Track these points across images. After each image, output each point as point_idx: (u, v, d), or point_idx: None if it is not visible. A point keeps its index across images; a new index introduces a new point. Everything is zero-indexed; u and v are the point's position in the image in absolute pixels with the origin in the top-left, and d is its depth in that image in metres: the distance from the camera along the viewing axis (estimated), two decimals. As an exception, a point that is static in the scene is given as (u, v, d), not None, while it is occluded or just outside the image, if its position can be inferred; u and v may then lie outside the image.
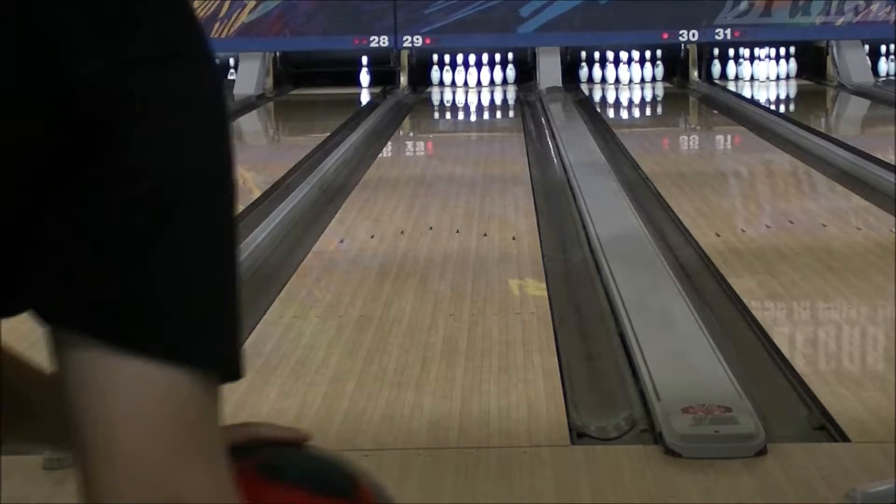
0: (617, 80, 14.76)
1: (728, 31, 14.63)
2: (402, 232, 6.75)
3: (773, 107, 13.25)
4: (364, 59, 14.58)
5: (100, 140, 0.83)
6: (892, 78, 14.63)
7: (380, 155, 9.97)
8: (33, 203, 0.84)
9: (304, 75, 14.67)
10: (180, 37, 0.88)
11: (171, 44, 0.87)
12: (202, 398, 0.85)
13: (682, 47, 14.72)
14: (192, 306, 0.86)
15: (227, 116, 0.89)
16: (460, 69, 14.76)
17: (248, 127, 12.60)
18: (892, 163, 8.29)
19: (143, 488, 0.82)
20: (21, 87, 0.82)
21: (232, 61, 14.37)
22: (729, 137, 11.28)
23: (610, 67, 14.82)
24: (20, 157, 0.83)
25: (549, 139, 10.30)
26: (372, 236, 6.67)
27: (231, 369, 0.89)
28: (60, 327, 0.84)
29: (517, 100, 13.82)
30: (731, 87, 14.49)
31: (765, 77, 14.97)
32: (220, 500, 0.85)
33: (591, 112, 12.39)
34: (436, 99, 14.34)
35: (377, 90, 14.19)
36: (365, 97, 13.94)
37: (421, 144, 11.77)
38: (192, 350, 0.85)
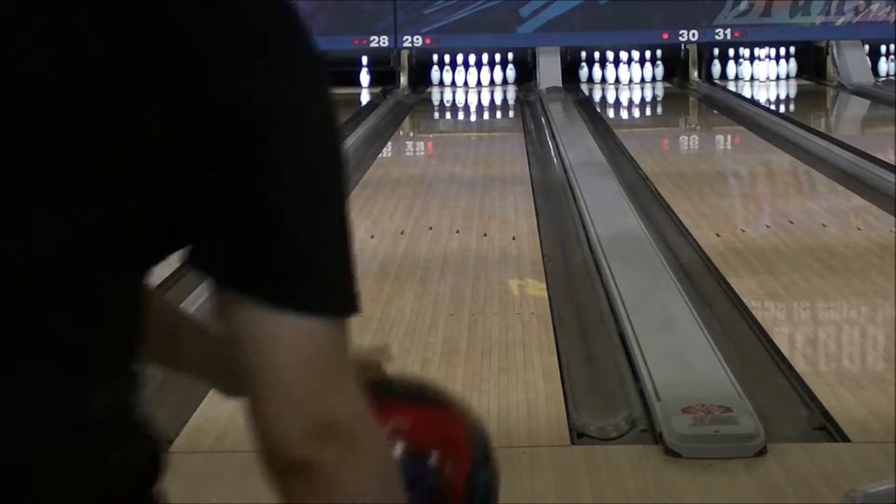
0: (617, 80, 14.76)
1: (728, 31, 14.63)
2: (402, 232, 6.75)
3: (773, 107, 13.25)
4: (364, 59, 14.59)
5: (242, 134, 1.04)
6: (892, 78, 14.63)
7: (380, 155, 9.97)
8: (186, 182, 1.04)
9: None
10: (294, 44, 1.08)
11: (288, 52, 1.07)
12: (341, 337, 1.07)
13: (682, 47, 14.72)
14: (333, 265, 1.08)
15: (333, 106, 1.10)
16: (460, 69, 14.76)
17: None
18: (892, 163, 8.29)
19: (305, 415, 1.05)
20: (170, 97, 1.03)
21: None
22: (729, 137, 11.28)
23: (610, 67, 14.82)
24: (172, 145, 1.04)
25: (549, 139, 10.30)
26: (372, 236, 6.67)
27: (356, 308, 1.08)
28: (233, 291, 1.05)
29: (517, 100, 13.82)
30: (731, 87, 14.49)
31: (765, 77, 14.97)
32: (362, 416, 1.08)
33: (591, 112, 12.39)
34: (436, 99, 14.35)
35: (377, 90, 14.19)
36: (365, 97, 13.94)
37: (421, 144, 11.77)
38: (334, 301, 1.07)
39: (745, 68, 14.98)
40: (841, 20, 14.69)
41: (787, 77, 15.05)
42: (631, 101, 14.13)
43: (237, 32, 1.05)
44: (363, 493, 1.09)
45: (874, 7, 14.67)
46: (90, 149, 1.02)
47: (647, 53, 14.83)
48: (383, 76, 14.49)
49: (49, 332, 1.03)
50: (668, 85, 14.74)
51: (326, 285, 1.07)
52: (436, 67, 14.77)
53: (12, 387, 1.02)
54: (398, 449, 1.32)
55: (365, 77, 14.62)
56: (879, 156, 8.63)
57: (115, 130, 1.02)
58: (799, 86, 14.78)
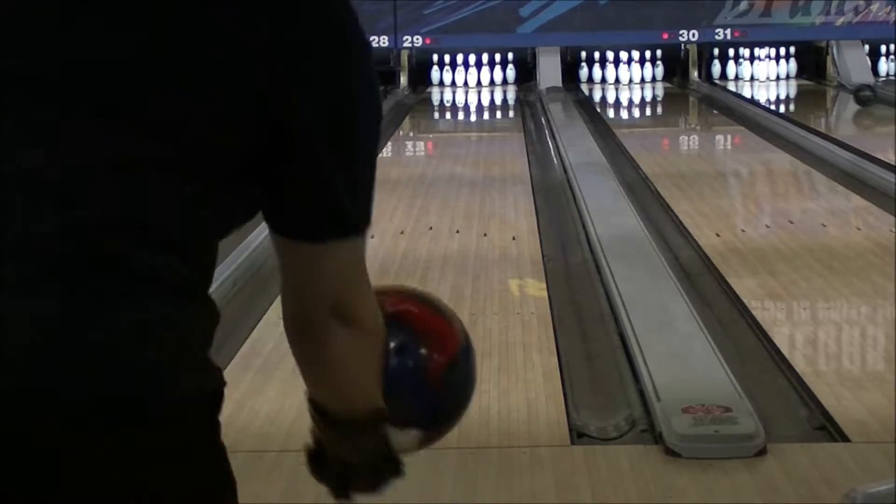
0: (617, 80, 14.76)
1: (728, 31, 14.63)
2: (402, 232, 6.75)
3: (773, 107, 13.26)
4: (364, 59, 14.59)
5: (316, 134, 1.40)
6: (892, 78, 14.63)
7: (380, 155, 9.96)
8: (255, 157, 1.38)
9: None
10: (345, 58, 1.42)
11: (339, 70, 1.41)
12: (361, 247, 1.46)
13: (682, 47, 14.72)
14: (362, 206, 1.46)
15: (377, 80, 1.47)
16: (460, 69, 14.76)
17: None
18: (892, 163, 8.30)
19: (332, 300, 1.44)
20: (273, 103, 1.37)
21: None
22: (729, 137, 11.28)
23: (610, 67, 14.82)
24: (246, 133, 1.36)
25: (549, 139, 10.30)
26: (372, 236, 6.66)
27: (370, 221, 1.48)
28: (292, 238, 1.42)
29: (517, 100, 13.82)
30: (731, 87, 14.49)
31: (765, 77, 14.98)
32: (371, 309, 1.49)
33: (591, 112, 12.39)
34: (436, 99, 14.35)
35: (377, 90, 14.19)
36: (365, 97, 13.92)
37: (421, 144, 11.77)
38: (358, 226, 1.45)
39: (745, 68, 14.98)
40: (841, 20, 14.69)
41: (787, 77, 15.06)
42: (631, 101, 14.13)
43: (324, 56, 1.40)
44: (356, 363, 1.49)
45: (874, 7, 14.67)
46: (228, 141, 1.36)
47: (647, 53, 14.84)
48: (383, 76, 14.48)
49: (149, 265, 1.29)
50: (668, 85, 14.75)
51: (356, 219, 1.44)
52: (436, 67, 14.77)
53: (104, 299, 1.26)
54: (400, 327, 1.60)
55: (365, 77, 14.61)
56: (879, 156, 8.63)
57: (241, 127, 1.37)
58: (799, 86, 14.78)
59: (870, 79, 14.27)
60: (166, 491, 1.28)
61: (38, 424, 1.21)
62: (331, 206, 1.42)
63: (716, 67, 14.90)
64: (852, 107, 13.50)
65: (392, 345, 1.57)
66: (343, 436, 1.54)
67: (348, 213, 1.43)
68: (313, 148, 1.39)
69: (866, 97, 12.64)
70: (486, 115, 13.62)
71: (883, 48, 14.88)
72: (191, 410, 1.30)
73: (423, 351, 1.62)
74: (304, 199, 1.41)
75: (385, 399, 1.54)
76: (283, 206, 1.42)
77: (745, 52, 15.01)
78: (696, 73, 14.71)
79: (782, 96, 14.43)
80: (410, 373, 1.60)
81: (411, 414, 1.60)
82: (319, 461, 1.59)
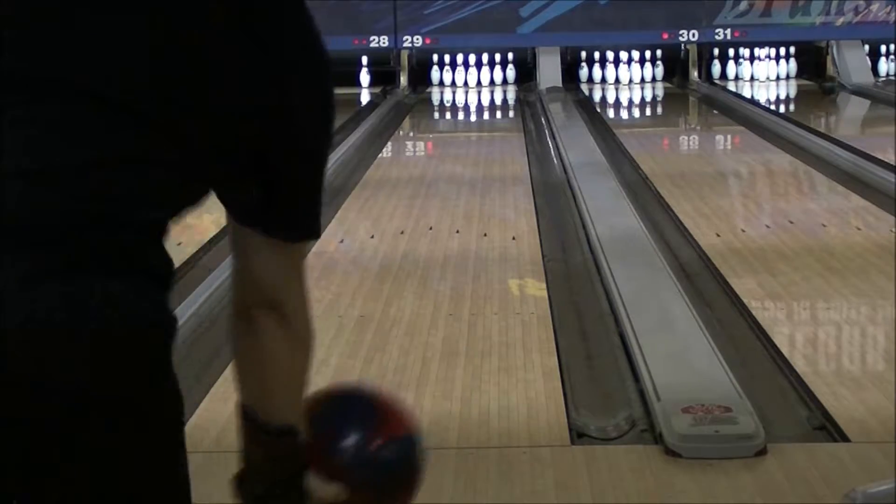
0: (617, 80, 14.76)
1: (728, 31, 14.63)
2: (402, 232, 6.75)
3: (773, 107, 13.25)
4: (364, 59, 14.59)
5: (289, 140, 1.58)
6: (892, 78, 14.63)
7: (380, 155, 9.97)
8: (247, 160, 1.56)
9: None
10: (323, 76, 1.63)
11: (316, 76, 1.61)
12: (302, 250, 1.65)
13: (682, 47, 14.72)
14: (313, 214, 1.63)
15: (332, 100, 1.64)
16: (460, 69, 14.75)
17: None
18: (892, 163, 8.29)
19: (265, 292, 1.61)
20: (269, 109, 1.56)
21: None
22: (729, 137, 11.28)
23: (610, 67, 14.82)
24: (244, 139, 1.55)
25: (549, 139, 10.30)
26: (372, 236, 6.67)
27: (318, 233, 1.65)
28: (249, 228, 1.60)
29: (517, 100, 13.82)
30: (731, 87, 14.48)
31: (765, 77, 14.97)
32: (301, 306, 1.65)
33: (591, 112, 12.39)
34: (436, 99, 14.35)
35: (377, 90, 14.19)
36: (365, 97, 13.94)
37: (421, 144, 11.77)
38: (306, 233, 1.63)
39: (745, 68, 14.97)
40: (841, 20, 14.69)
41: (787, 77, 15.05)
42: (631, 101, 14.12)
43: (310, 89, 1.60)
44: (285, 365, 1.64)
45: (874, 7, 14.67)
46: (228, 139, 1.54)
47: (647, 53, 14.83)
48: (383, 76, 14.48)
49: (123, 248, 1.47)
50: (668, 85, 14.74)
51: (306, 226, 1.63)
52: (436, 67, 14.76)
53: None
54: (362, 395, 1.78)
55: (365, 77, 14.61)
56: (879, 156, 8.63)
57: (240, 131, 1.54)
58: (799, 86, 14.78)
59: (870, 79, 14.27)
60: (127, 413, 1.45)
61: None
62: (293, 211, 1.61)
63: (716, 67, 14.89)
64: (852, 107, 13.50)
65: (350, 403, 1.73)
66: (265, 449, 1.65)
67: (308, 220, 1.63)
68: (293, 157, 1.57)
69: (830, 87, 13.26)
70: (486, 115, 13.62)
71: (883, 48, 14.87)
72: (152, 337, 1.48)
73: (374, 418, 1.74)
74: (270, 199, 1.58)
75: (323, 442, 1.68)
76: (247, 201, 1.59)
77: (745, 52, 15.00)
78: (696, 73, 14.71)
79: (782, 96, 14.43)
80: (355, 428, 1.71)
81: (341, 466, 1.69)
82: (242, 483, 1.70)
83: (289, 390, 1.65)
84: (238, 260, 1.64)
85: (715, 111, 12.79)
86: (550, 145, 9.92)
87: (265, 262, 1.60)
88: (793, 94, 14.54)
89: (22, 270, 1.39)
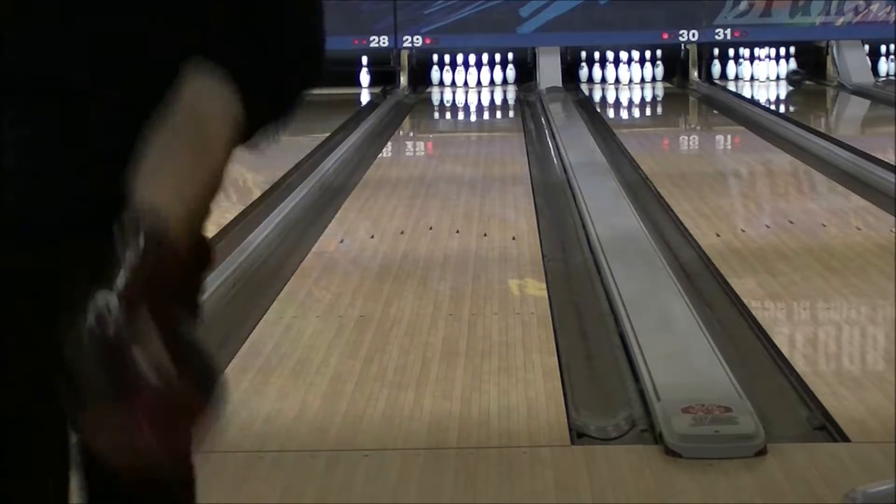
0: (617, 80, 14.76)
1: (728, 31, 14.63)
2: (402, 232, 6.75)
3: (773, 107, 13.25)
4: (364, 59, 14.59)
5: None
6: (892, 78, 14.63)
7: (380, 155, 9.97)
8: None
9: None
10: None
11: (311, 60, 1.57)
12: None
13: (682, 47, 14.72)
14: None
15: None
16: (460, 69, 14.76)
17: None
18: (892, 163, 8.29)
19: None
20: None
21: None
22: (729, 137, 11.28)
23: (610, 67, 14.82)
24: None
25: (549, 139, 10.30)
26: (372, 236, 6.67)
27: None
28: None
29: (517, 100, 13.82)
30: (731, 87, 14.49)
31: (765, 77, 14.97)
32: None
33: (591, 112, 12.38)
34: (436, 99, 14.35)
35: (377, 90, 14.19)
36: (365, 97, 13.94)
37: (421, 144, 11.77)
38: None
39: (745, 68, 14.98)
40: (841, 20, 14.69)
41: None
42: (631, 101, 14.12)
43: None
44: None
45: (874, 7, 14.67)
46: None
47: (647, 53, 14.83)
48: (383, 76, 14.49)
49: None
50: (668, 85, 14.75)
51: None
52: (436, 67, 14.77)
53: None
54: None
55: (365, 77, 14.62)
56: (879, 156, 8.63)
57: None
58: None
59: (870, 79, 14.27)
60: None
61: None
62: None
63: (716, 67, 14.90)
64: (852, 107, 13.51)
65: None
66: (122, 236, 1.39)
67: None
68: None
69: (796, 80, 13.81)
70: (486, 115, 13.62)
71: (883, 48, 14.88)
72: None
73: None
74: None
75: None
76: None
77: (745, 52, 15.01)
78: (696, 73, 14.71)
79: (782, 96, 14.43)
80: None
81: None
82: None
83: (174, 178, 1.44)
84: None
85: (715, 111, 12.79)
86: (550, 145, 9.92)
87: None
88: (793, 94, 14.54)
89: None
